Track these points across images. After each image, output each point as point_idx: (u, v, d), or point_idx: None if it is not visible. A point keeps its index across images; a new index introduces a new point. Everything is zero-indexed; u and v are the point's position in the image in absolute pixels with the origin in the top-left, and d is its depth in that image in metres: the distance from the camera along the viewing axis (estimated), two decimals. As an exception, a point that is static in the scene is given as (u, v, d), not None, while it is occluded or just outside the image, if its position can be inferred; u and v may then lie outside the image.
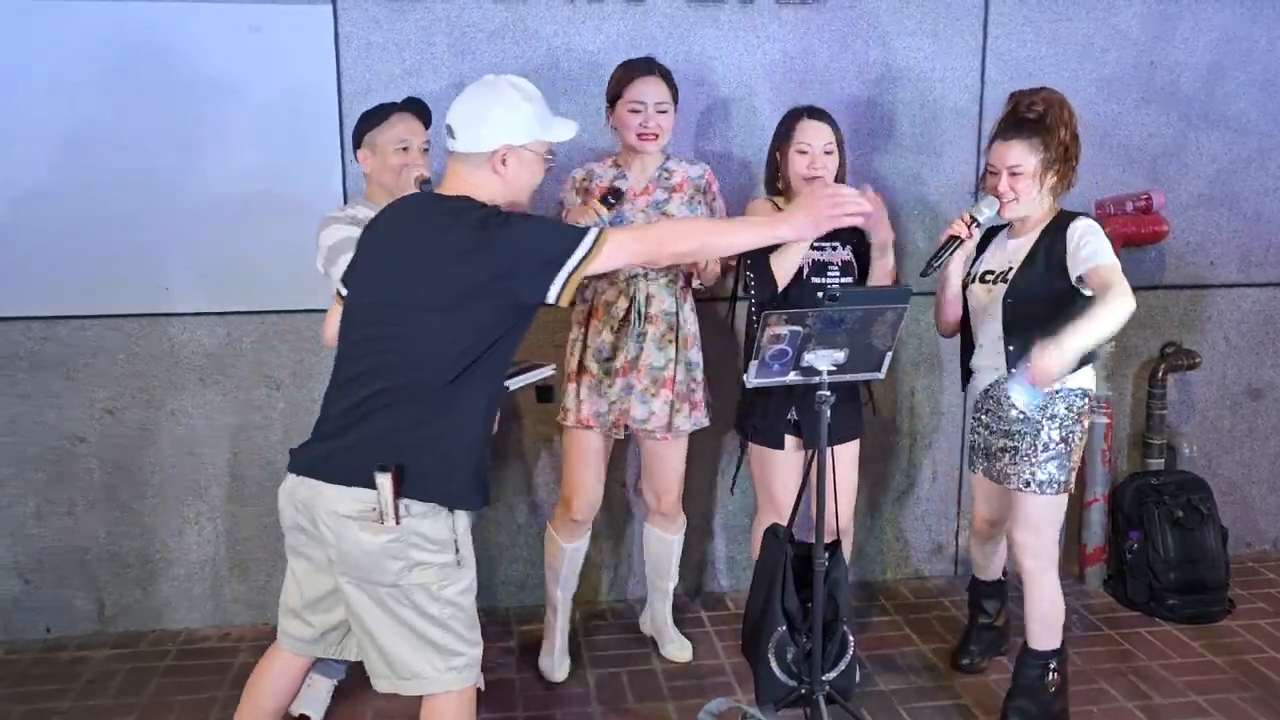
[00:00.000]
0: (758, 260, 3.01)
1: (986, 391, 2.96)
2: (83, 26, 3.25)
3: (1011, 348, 2.83)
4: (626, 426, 3.12)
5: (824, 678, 2.72)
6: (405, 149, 2.85)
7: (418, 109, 2.92)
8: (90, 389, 3.47)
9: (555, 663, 3.32)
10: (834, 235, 3.05)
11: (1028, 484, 2.86)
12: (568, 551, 3.29)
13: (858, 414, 3.20)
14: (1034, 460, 2.84)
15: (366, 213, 2.73)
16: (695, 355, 3.17)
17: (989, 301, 2.91)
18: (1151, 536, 3.78)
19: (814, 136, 3.01)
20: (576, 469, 3.19)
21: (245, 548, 3.64)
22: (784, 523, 2.96)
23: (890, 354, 2.62)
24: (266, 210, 3.40)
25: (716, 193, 3.21)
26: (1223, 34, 3.86)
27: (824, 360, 2.55)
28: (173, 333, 3.48)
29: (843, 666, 2.76)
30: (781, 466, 3.11)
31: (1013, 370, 2.77)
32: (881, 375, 2.68)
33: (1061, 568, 3.68)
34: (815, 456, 2.66)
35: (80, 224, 3.36)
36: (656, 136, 3.02)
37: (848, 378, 2.63)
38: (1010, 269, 2.89)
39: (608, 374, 3.08)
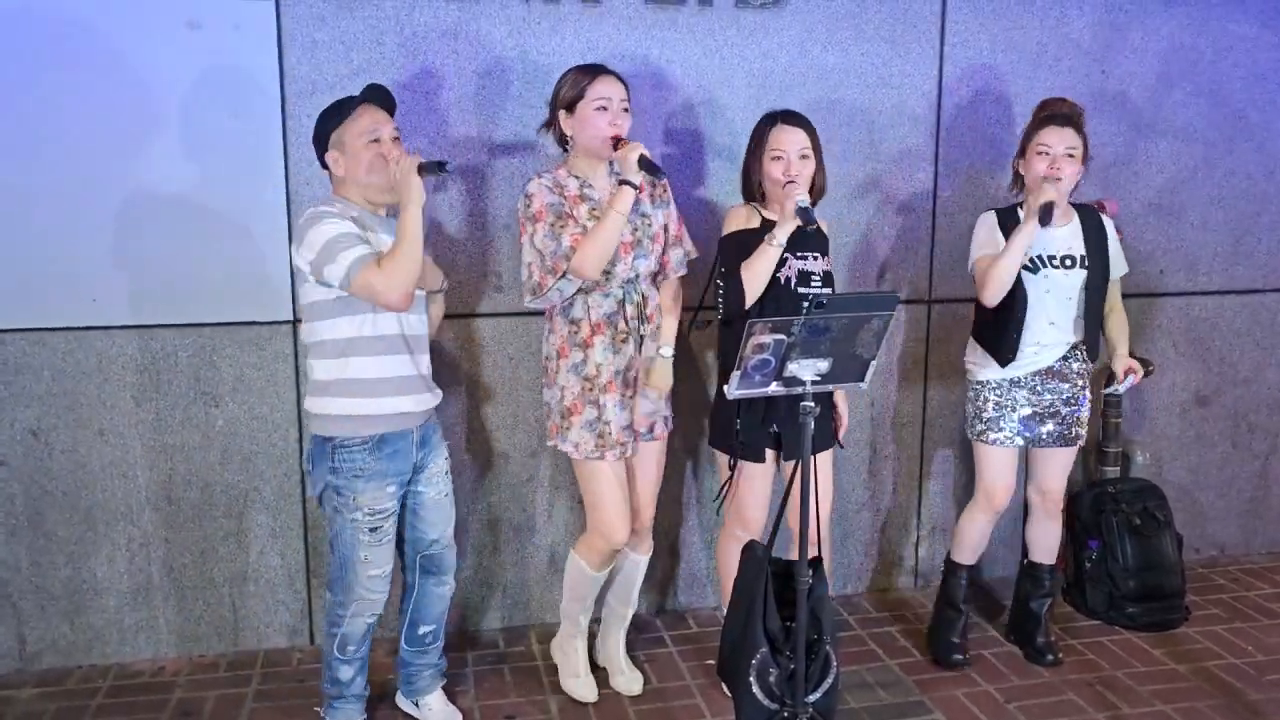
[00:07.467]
0: (730, 268, 2.93)
1: (1051, 368, 3.25)
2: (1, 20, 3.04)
3: (1088, 327, 3.26)
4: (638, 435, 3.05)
5: (807, 699, 2.62)
6: (376, 140, 2.67)
7: (380, 97, 2.75)
8: (12, 409, 3.23)
9: (582, 683, 3.22)
10: (814, 245, 2.99)
11: (1079, 438, 3.35)
12: (598, 580, 3.17)
13: (831, 422, 3.15)
14: (1082, 419, 3.33)
15: (354, 211, 2.66)
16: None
17: (1066, 284, 3.21)
18: (1110, 545, 3.78)
19: (788, 143, 2.94)
20: (611, 498, 3.01)
21: (181, 575, 3.42)
22: (753, 538, 2.86)
23: (875, 362, 2.54)
24: (203, 217, 3.22)
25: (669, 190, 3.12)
26: (1170, 44, 3.90)
27: (807, 370, 2.46)
28: (101, 347, 3.26)
29: (826, 687, 2.66)
30: (758, 480, 3.03)
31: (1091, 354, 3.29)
32: (865, 385, 2.60)
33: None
34: (798, 468, 2.56)
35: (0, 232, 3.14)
36: (620, 137, 2.85)
37: (830, 387, 2.55)
38: (1074, 255, 3.22)
39: (626, 385, 2.97)
